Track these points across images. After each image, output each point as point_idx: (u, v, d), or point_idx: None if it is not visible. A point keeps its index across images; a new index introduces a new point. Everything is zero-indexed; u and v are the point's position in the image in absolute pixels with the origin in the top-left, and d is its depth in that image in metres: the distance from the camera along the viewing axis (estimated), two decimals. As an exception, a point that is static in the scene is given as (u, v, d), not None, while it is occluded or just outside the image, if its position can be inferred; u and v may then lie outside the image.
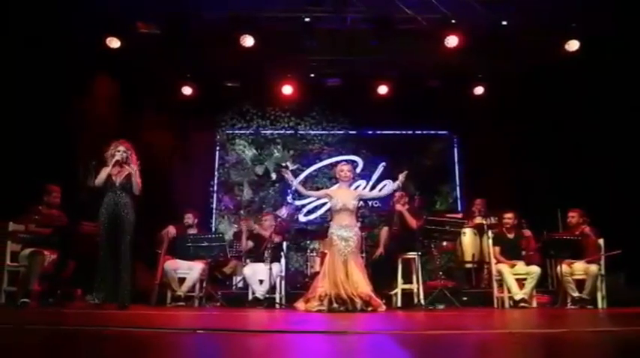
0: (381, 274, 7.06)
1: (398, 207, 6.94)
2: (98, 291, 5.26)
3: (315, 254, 8.13)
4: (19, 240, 6.20)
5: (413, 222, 6.77)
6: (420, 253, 6.68)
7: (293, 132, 9.74)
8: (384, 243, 7.16)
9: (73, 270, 6.26)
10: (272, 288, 6.82)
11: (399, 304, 6.60)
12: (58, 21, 7.14)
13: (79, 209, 6.54)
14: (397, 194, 6.99)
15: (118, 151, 5.50)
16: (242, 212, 9.46)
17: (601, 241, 6.62)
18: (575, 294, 6.49)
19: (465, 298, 7.07)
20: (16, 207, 6.25)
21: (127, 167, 5.53)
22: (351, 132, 9.78)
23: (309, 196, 6.14)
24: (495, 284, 6.86)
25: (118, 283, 5.27)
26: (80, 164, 7.84)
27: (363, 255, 6.85)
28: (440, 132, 10.06)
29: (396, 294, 6.70)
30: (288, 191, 9.52)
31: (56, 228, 6.19)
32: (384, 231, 7.21)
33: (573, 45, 7.59)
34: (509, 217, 7.03)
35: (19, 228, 6.22)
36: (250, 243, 7.23)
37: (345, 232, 5.63)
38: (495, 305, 6.78)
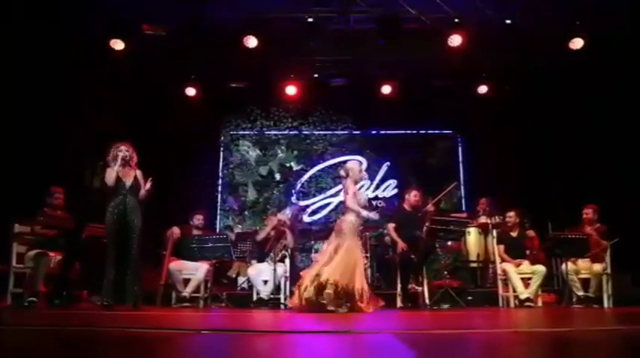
0: (389, 273, 7.07)
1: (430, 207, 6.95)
2: (106, 293, 5.24)
3: (319, 254, 8.13)
4: (24, 241, 6.22)
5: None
6: (424, 257, 6.66)
7: (297, 132, 9.74)
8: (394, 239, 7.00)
9: (78, 272, 6.28)
10: (276, 289, 6.82)
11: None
12: (63, 23, 7.18)
13: (85, 210, 6.56)
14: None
15: (120, 151, 5.44)
16: (246, 212, 9.48)
17: (606, 242, 6.58)
18: (581, 293, 6.48)
19: (470, 297, 7.06)
20: (21, 208, 6.29)
21: (133, 169, 5.53)
22: (355, 132, 9.77)
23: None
24: (500, 284, 6.84)
25: (127, 285, 5.29)
26: (86, 165, 7.90)
27: (368, 254, 6.85)
28: (444, 131, 10.03)
29: (403, 292, 6.65)
30: (293, 191, 9.53)
31: (61, 229, 6.22)
32: (392, 228, 6.90)
33: (577, 43, 7.55)
34: (510, 216, 7.02)
35: (24, 229, 6.25)
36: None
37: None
38: (500, 305, 6.75)
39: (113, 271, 5.27)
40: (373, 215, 5.66)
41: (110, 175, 5.40)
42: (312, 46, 7.92)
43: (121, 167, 5.43)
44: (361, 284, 5.29)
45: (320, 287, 5.13)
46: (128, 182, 5.46)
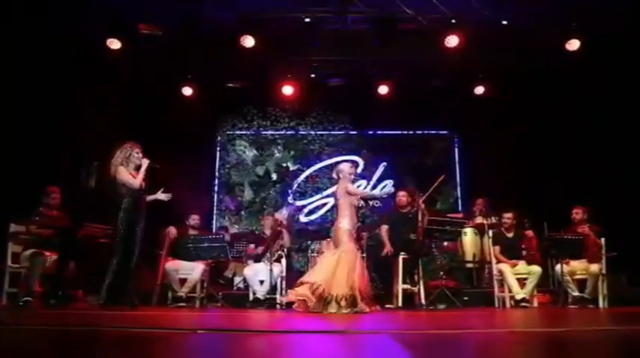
0: (384, 273, 7.07)
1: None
2: (106, 292, 5.18)
3: (316, 254, 8.13)
4: (20, 241, 6.20)
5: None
6: (420, 255, 6.66)
7: (294, 132, 9.74)
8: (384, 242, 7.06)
9: (74, 271, 6.26)
10: (273, 289, 6.82)
11: (400, 304, 6.59)
12: (61, 23, 7.15)
13: (82, 210, 6.54)
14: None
15: (138, 153, 5.48)
16: (243, 213, 9.47)
17: (602, 240, 6.61)
18: (576, 294, 6.50)
19: (466, 298, 7.06)
20: (19, 208, 6.26)
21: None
22: (351, 132, 9.77)
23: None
24: (496, 284, 6.86)
25: (128, 285, 5.28)
26: (82, 165, 7.87)
27: (364, 255, 6.83)
28: (441, 131, 10.03)
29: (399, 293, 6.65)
30: (289, 191, 9.52)
31: (57, 229, 6.19)
32: (384, 229, 7.11)
33: (574, 44, 7.58)
34: (508, 217, 7.02)
35: (20, 229, 6.23)
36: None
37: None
38: (496, 305, 6.78)
39: (116, 270, 5.24)
40: (377, 192, 5.66)
41: (138, 179, 5.39)
42: (309, 46, 7.91)
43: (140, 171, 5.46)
44: (361, 285, 5.28)
45: (326, 300, 5.12)
46: (144, 184, 5.48)
